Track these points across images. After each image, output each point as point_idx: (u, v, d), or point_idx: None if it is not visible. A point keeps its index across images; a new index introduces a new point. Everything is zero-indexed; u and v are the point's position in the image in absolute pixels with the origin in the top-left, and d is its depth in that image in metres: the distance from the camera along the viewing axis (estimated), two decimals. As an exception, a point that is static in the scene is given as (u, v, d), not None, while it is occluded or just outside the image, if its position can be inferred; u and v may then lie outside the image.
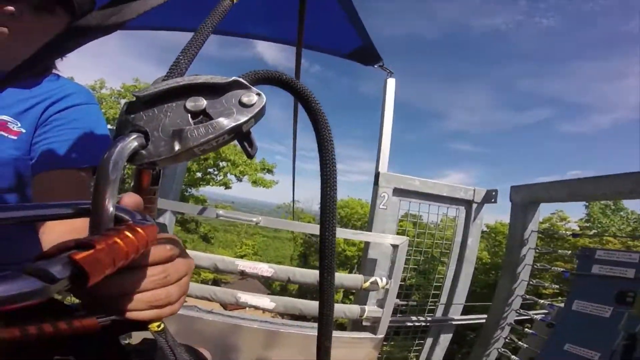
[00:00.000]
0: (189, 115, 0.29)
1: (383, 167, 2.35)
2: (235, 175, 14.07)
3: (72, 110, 0.67)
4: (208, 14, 0.40)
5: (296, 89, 0.37)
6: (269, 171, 14.89)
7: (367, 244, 2.33)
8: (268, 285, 19.33)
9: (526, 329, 2.01)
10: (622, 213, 14.06)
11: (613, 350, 1.44)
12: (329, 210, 0.39)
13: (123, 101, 12.61)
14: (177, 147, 0.28)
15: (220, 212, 1.91)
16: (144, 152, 0.28)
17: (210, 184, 14.11)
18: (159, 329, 0.35)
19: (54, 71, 0.72)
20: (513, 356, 2.01)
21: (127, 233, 0.24)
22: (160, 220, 1.93)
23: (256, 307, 1.89)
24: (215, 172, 13.98)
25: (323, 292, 0.42)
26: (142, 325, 0.33)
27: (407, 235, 2.33)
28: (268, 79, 0.36)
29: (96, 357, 0.37)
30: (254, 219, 1.90)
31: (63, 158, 0.61)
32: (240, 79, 0.31)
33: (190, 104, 0.29)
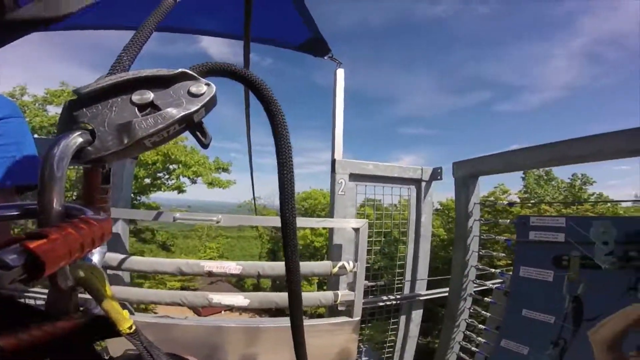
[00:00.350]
0: (136, 108, 0.29)
1: (338, 155, 2.43)
2: (189, 177, 13.34)
3: None
4: (149, 10, 0.40)
5: (246, 77, 0.37)
6: (225, 170, 14.36)
7: (331, 230, 2.40)
8: (240, 286, 18.92)
9: (486, 299, 2.13)
10: (553, 183, 15.83)
11: (565, 313, 1.56)
12: (287, 193, 0.40)
13: (50, 107, 11.28)
14: (125, 139, 0.28)
15: (177, 215, 1.84)
16: (90, 148, 0.27)
17: (162, 189, 13.23)
18: (131, 330, 0.34)
19: None
20: (480, 325, 2.13)
21: (81, 225, 0.24)
22: (112, 230, 1.81)
23: (230, 307, 1.87)
24: (166, 176, 13.14)
25: (291, 293, 0.44)
26: (113, 330, 0.32)
27: (368, 219, 2.46)
28: (217, 70, 0.36)
29: None
30: (214, 218, 1.86)
31: None
32: (188, 70, 0.32)
33: (136, 97, 0.29)
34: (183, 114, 0.29)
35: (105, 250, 0.34)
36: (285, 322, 2.00)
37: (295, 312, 0.46)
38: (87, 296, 0.32)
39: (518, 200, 15.33)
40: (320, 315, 2.75)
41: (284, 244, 0.43)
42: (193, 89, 0.31)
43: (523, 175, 15.71)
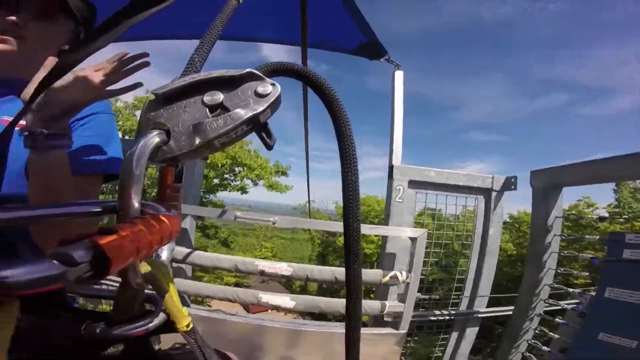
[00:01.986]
0: (207, 109, 0.30)
1: (397, 160, 2.33)
2: (252, 180, 14.25)
3: (89, 119, 0.68)
4: (213, 17, 0.42)
5: (309, 77, 0.37)
6: (283, 173, 14.98)
7: (384, 238, 2.31)
8: (288, 287, 19.49)
9: (556, 319, 1.92)
10: (654, 196, 13.26)
11: None
12: (351, 195, 0.38)
13: (138, 112, 12.98)
14: (197, 140, 0.29)
15: (239, 213, 1.95)
16: (165, 147, 0.29)
17: (228, 189, 14.34)
18: (188, 328, 0.35)
19: None
20: (544, 347, 1.93)
21: (153, 222, 0.24)
22: (181, 226, 1.99)
23: (277, 307, 1.91)
24: (232, 178, 14.19)
25: (350, 282, 0.40)
26: (172, 327, 0.34)
27: (428, 230, 2.30)
28: (281, 70, 0.36)
29: None
30: (271, 219, 1.92)
31: (74, 165, 0.61)
32: (254, 70, 0.32)
33: (207, 98, 0.31)
34: (250, 114, 0.30)
35: (173, 247, 0.35)
36: (327, 327, 1.99)
37: (352, 324, 0.43)
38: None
39: (607, 215, 13.11)
40: (363, 324, 2.66)
41: (345, 251, 0.40)
42: (260, 89, 0.31)
43: (615, 187, 13.39)
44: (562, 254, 2.03)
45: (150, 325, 0.33)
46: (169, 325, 0.34)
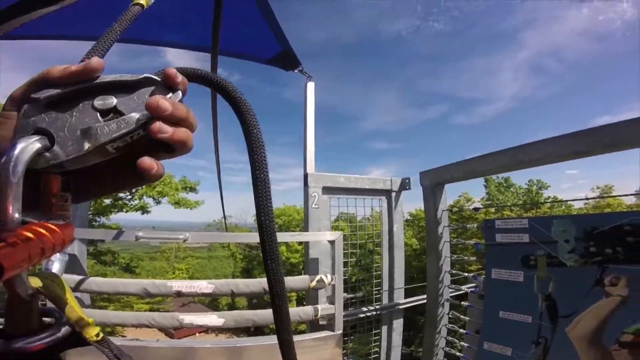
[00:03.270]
0: (98, 113, 0.28)
1: (311, 168, 2.44)
2: (153, 197, 12.68)
3: None
4: (111, 20, 0.39)
5: (212, 80, 0.36)
6: (192, 189, 13.80)
7: (306, 244, 2.38)
8: (214, 307, 17.92)
9: (463, 303, 2.15)
10: (512, 189, 17.03)
11: (540, 312, 1.59)
12: (262, 195, 0.37)
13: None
14: (86, 145, 0.27)
15: (140, 233, 1.72)
16: (48, 154, 0.26)
17: (124, 210, 12.43)
18: (98, 338, 0.32)
19: None
20: (461, 330, 2.15)
21: (42, 230, 0.23)
22: (69, 251, 1.66)
23: (204, 328, 1.75)
24: (129, 197, 12.39)
25: (271, 282, 0.39)
26: (81, 339, 0.31)
27: (344, 234, 2.46)
28: (187, 75, 0.34)
29: None
30: (181, 237, 1.77)
31: None
32: (152, 76, 0.31)
33: (98, 102, 0.28)
34: (146, 119, 0.29)
35: (66, 258, 0.33)
36: (266, 340, 1.91)
37: (282, 328, 0.42)
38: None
39: (480, 206, 16.22)
40: (300, 332, 2.67)
41: (263, 256, 0.38)
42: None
43: (485, 184, 16.73)
44: (453, 242, 2.35)
45: (55, 337, 0.30)
46: (77, 338, 0.31)
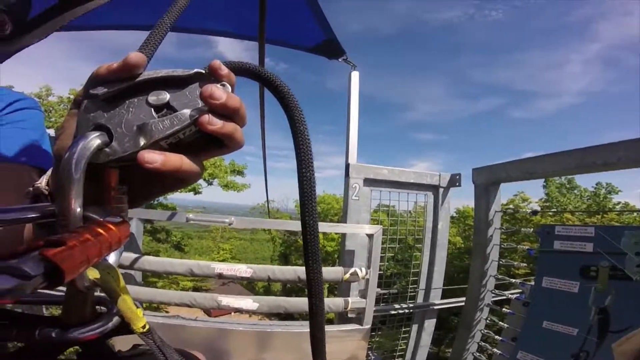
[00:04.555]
0: (152, 109, 0.29)
1: (352, 159, 2.39)
2: (204, 179, 13.63)
3: (19, 113, 0.67)
4: (164, 9, 0.39)
5: (260, 74, 0.36)
6: (240, 173, 14.58)
7: (343, 236, 2.35)
8: (251, 288, 19.04)
9: (504, 309, 2.06)
10: (575, 191, 15.30)
11: (590, 325, 1.50)
12: (307, 193, 0.36)
13: (75, 109, 11.78)
14: (142, 141, 0.28)
15: (191, 215, 1.85)
16: (107, 149, 0.27)
17: (182, 189, 13.59)
18: (144, 330, 0.34)
19: None
20: (497, 336, 2.06)
21: (99, 230, 0.24)
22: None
23: (239, 310, 1.86)
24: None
25: (310, 280, 0.40)
26: (127, 328, 0.33)
27: (382, 225, 2.39)
28: (233, 69, 0.34)
29: None
30: (227, 220, 1.85)
31: (5, 154, 0.60)
32: (203, 71, 0.31)
33: (152, 98, 0.29)
34: (198, 115, 0.29)
35: (122, 249, 0.34)
36: (295, 327, 1.97)
37: (316, 324, 0.42)
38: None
39: (539, 209, 14.85)
40: (329, 321, 2.71)
41: (304, 250, 0.39)
42: None
43: (544, 183, 15.21)
44: (502, 246, 2.19)
45: (105, 327, 0.32)
46: (124, 327, 0.33)
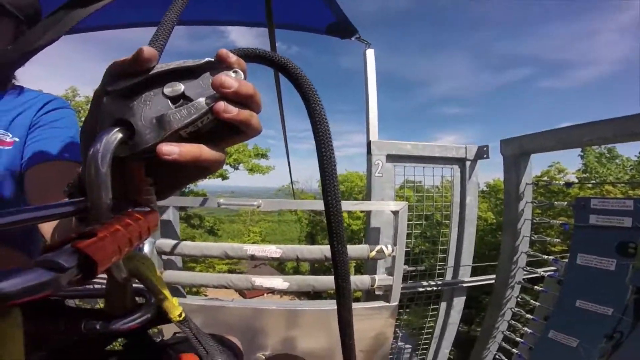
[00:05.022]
0: (169, 100, 0.30)
1: (374, 136, 2.36)
2: (230, 164, 14.02)
3: (53, 113, 0.72)
4: (167, 4, 0.40)
5: (272, 59, 0.36)
6: (263, 156, 14.84)
7: (368, 213, 2.36)
8: (281, 269, 19.83)
9: (536, 287, 1.99)
10: (617, 161, 14.01)
11: (626, 305, 1.43)
12: (328, 174, 0.37)
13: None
14: (162, 132, 0.28)
15: (221, 200, 1.95)
16: (131, 142, 0.28)
17: (207, 176, 14.12)
18: (181, 318, 0.37)
19: (15, 83, 0.75)
20: (528, 315, 2.01)
21: (128, 220, 0.25)
22: (164, 217, 1.97)
23: (271, 289, 1.97)
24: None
25: (336, 262, 0.40)
26: (165, 318, 0.35)
27: (408, 201, 2.37)
28: (241, 55, 0.35)
29: (138, 356, 0.39)
30: (255, 203, 1.93)
31: (49, 152, 0.65)
32: (213, 59, 0.32)
33: (167, 89, 0.30)
34: (213, 103, 0.29)
35: (154, 240, 0.37)
36: (323, 305, 2.04)
37: (343, 307, 0.43)
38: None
39: (576, 181, 13.86)
40: (356, 299, 2.80)
41: (329, 232, 0.40)
42: None
43: (582, 153, 14.06)
44: (535, 220, 2.08)
45: (145, 317, 0.34)
46: (162, 317, 0.36)
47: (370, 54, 2.41)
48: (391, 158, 2.36)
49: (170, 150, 0.28)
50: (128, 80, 0.30)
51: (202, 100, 0.29)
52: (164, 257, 1.97)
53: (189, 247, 1.93)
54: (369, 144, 2.34)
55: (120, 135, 0.28)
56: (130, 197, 0.31)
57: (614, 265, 1.49)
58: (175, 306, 0.36)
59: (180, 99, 0.30)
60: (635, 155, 13.68)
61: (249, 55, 0.35)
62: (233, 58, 0.31)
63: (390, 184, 2.37)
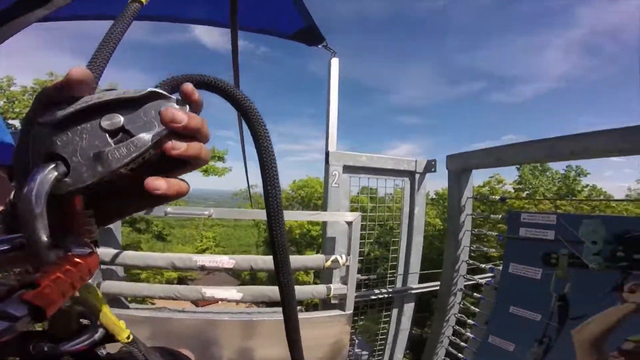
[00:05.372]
0: (107, 134, 0.28)
1: (332, 146, 2.41)
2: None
3: None
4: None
5: (220, 87, 0.35)
6: (220, 158, 14.35)
7: (324, 223, 2.40)
8: (236, 276, 19.04)
9: (475, 294, 2.13)
10: (547, 173, 16.01)
11: (551, 312, 1.57)
12: (271, 191, 0.40)
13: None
14: (100, 170, 0.27)
15: (169, 209, 1.82)
16: (67, 179, 0.27)
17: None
18: (129, 340, 0.37)
19: None
20: (469, 320, 2.14)
21: (68, 266, 0.25)
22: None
23: (224, 300, 1.89)
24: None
25: (282, 291, 0.44)
26: (111, 338, 0.36)
27: (364, 209, 2.45)
28: (190, 81, 0.33)
29: None
30: (206, 212, 1.85)
31: None
32: (157, 89, 0.30)
33: (105, 122, 0.28)
34: (157, 139, 0.28)
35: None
36: (280, 314, 2.02)
37: (288, 313, 0.46)
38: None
39: (512, 190, 15.52)
40: (315, 305, 2.80)
41: (272, 249, 0.43)
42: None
43: (518, 166, 15.84)
44: (474, 231, 2.26)
45: (93, 339, 0.35)
46: (110, 337, 0.36)
47: (334, 63, 2.46)
48: (348, 169, 2.43)
49: (158, 185, 0.28)
50: (61, 109, 0.27)
51: (143, 135, 0.28)
52: (104, 266, 1.80)
53: (131, 257, 1.79)
54: (327, 154, 2.39)
55: (55, 174, 0.26)
56: (69, 230, 0.30)
57: (539, 274, 1.66)
58: (122, 329, 0.37)
59: (119, 133, 0.28)
60: (563, 169, 15.84)
61: (195, 84, 0.33)
62: (196, 96, 0.31)
63: (345, 194, 2.43)
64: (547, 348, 1.57)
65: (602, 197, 14.54)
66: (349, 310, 2.06)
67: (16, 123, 10.58)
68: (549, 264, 1.62)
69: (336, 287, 2.06)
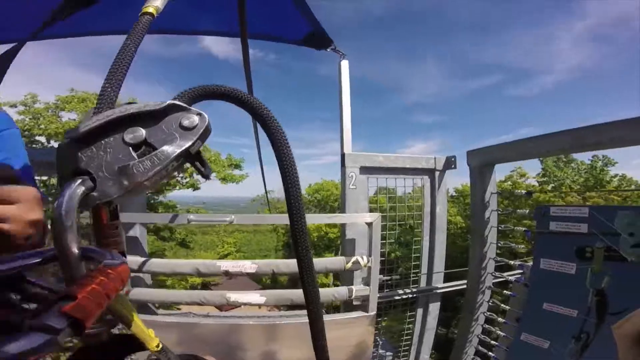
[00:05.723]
0: (130, 148, 0.29)
1: (347, 148, 2.40)
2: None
3: None
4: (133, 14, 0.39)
5: (237, 97, 0.36)
6: (237, 166, 14.59)
7: (343, 225, 2.38)
8: (258, 280, 19.24)
9: (505, 291, 2.06)
10: (573, 165, 15.23)
11: (588, 307, 1.51)
12: (293, 195, 0.40)
13: (62, 113, 11.62)
14: (125, 184, 0.28)
15: (192, 216, 1.87)
16: (94, 193, 0.28)
17: (177, 187, 13.58)
18: (158, 349, 0.37)
19: None
20: (500, 319, 2.08)
21: (102, 278, 0.26)
22: (130, 234, 1.87)
23: (247, 304, 1.91)
24: (181, 175, 13.45)
25: (306, 292, 0.44)
26: (141, 346, 0.36)
27: (384, 209, 2.41)
28: (205, 94, 0.35)
29: None
30: (227, 219, 1.88)
31: None
32: (176, 102, 0.31)
33: (128, 136, 0.29)
34: (178, 151, 0.29)
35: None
36: (303, 317, 2.04)
37: (314, 316, 0.46)
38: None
39: (536, 184, 14.87)
40: (337, 308, 2.79)
41: (295, 251, 0.43)
42: (185, 122, 0.30)
43: (541, 158, 15.17)
44: (500, 227, 2.17)
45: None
46: (140, 346, 0.37)
47: (344, 65, 2.46)
48: (364, 170, 2.41)
49: None
50: (85, 123, 0.28)
51: (166, 148, 0.29)
52: (132, 274, 1.86)
53: (158, 264, 1.84)
54: (342, 156, 2.38)
55: (82, 189, 0.27)
56: (98, 240, 0.31)
57: (574, 269, 1.59)
58: (152, 338, 0.37)
59: (142, 146, 0.29)
60: (589, 159, 14.97)
61: (212, 94, 0.35)
62: None
63: (364, 195, 2.41)
64: (585, 344, 1.50)
65: (633, 187, 13.65)
66: (372, 312, 2.04)
67: (42, 139, 11.15)
68: (584, 258, 1.55)
69: (358, 289, 2.04)
